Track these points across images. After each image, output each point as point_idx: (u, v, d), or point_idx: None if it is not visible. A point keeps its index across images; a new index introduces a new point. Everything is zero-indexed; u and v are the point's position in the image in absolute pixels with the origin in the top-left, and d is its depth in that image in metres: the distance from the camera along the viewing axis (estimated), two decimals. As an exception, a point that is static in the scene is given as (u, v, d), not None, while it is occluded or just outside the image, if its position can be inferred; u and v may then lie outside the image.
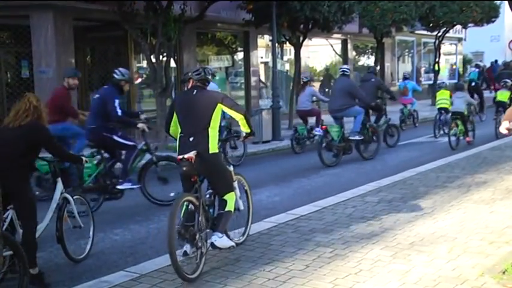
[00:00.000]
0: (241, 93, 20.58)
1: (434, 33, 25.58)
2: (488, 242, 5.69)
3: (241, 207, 6.05)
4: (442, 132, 14.76)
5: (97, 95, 8.50)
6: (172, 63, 15.90)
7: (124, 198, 8.20)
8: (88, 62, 17.51)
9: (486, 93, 22.68)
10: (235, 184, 5.90)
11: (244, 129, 5.72)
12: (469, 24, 25.37)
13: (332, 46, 25.02)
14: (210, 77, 5.74)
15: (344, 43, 25.20)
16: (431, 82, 26.83)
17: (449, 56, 33.35)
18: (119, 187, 8.13)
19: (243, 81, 20.46)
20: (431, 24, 24.44)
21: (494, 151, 11.67)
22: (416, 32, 27.02)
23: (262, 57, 21.71)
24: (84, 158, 6.34)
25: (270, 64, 18.11)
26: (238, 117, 5.54)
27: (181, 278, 4.96)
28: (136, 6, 13.77)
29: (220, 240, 5.36)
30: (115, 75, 8.31)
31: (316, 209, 7.31)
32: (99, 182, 8.09)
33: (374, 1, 20.41)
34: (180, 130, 5.51)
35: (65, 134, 9.13)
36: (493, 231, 6.08)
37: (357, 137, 11.67)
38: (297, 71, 18.52)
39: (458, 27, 27.09)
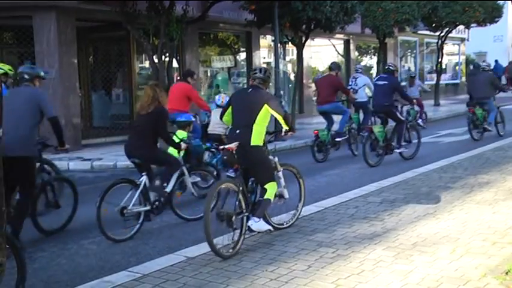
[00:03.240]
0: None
1: (437, 33, 25.54)
2: (491, 243, 5.68)
3: (286, 196, 6.60)
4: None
5: (384, 82, 11.37)
6: (175, 64, 15.92)
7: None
8: (90, 63, 17.55)
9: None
10: (280, 174, 6.51)
11: (284, 126, 6.23)
12: (472, 25, 25.35)
13: (334, 46, 25.01)
14: (267, 78, 6.32)
15: (346, 43, 25.20)
16: (433, 82, 26.79)
17: (452, 56, 33.33)
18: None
19: (245, 81, 20.45)
20: (434, 25, 24.42)
21: (497, 151, 11.66)
22: (419, 32, 27.04)
23: (264, 58, 21.71)
24: (183, 145, 7.42)
25: (273, 64, 18.11)
26: (278, 117, 6.11)
27: (217, 255, 5.53)
28: (138, 6, 13.78)
29: (256, 224, 5.92)
30: (391, 67, 11.74)
31: (319, 209, 7.31)
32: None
33: (376, 1, 20.40)
34: (231, 122, 6.25)
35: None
36: (496, 231, 6.07)
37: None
38: (300, 71, 18.52)
39: (461, 27, 27.05)
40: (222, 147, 6.13)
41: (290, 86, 22.00)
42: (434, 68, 27.43)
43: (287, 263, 5.32)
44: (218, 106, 10.38)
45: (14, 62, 15.40)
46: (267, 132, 6.36)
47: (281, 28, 16.43)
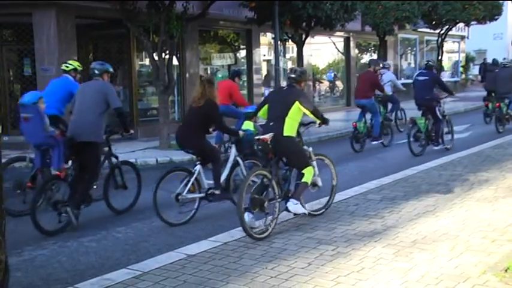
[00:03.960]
0: (244, 91, 20.57)
1: (437, 31, 25.58)
2: (491, 240, 5.69)
3: (320, 184, 7.10)
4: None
5: (426, 77, 12.15)
6: (175, 61, 15.89)
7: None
8: (90, 60, 17.48)
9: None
10: (314, 163, 6.98)
11: (316, 120, 6.88)
12: (472, 22, 25.38)
13: (335, 44, 25.01)
14: (299, 77, 6.87)
15: (347, 41, 25.19)
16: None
17: (452, 54, 33.33)
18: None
19: (245, 79, 20.44)
20: (434, 22, 24.44)
21: (496, 149, 11.66)
22: (419, 29, 27.05)
23: (264, 55, 21.71)
24: (241, 132, 7.85)
25: (273, 62, 18.10)
26: (307, 112, 6.68)
27: (250, 237, 6.01)
28: (138, 4, 13.76)
29: (294, 206, 6.47)
30: (430, 62, 12.93)
31: (319, 207, 7.30)
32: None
33: (377, -1, 20.41)
34: (267, 116, 6.83)
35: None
36: (496, 229, 6.07)
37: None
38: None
39: (461, 25, 27.08)
40: (257, 137, 6.65)
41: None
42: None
43: (287, 260, 5.33)
44: None
45: (13, 60, 15.44)
46: (302, 124, 6.93)
47: (281, 26, 16.43)
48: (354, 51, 25.81)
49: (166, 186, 7.07)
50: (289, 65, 22.59)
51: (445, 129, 12.55)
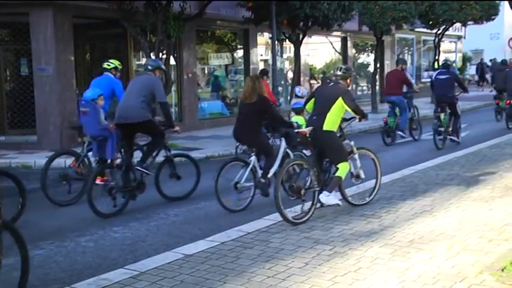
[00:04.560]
0: (241, 90, 20.57)
1: (434, 31, 25.56)
2: (488, 240, 5.70)
3: (362, 176, 7.47)
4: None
5: (447, 75, 12.94)
6: (172, 61, 15.89)
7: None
8: (87, 60, 17.50)
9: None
10: (356, 156, 7.37)
11: (356, 115, 7.21)
12: (469, 22, 25.37)
13: (332, 44, 25.03)
14: (344, 75, 7.20)
15: (344, 41, 25.21)
16: (430, 80, 26.82)
17: (449, 54, 33.37)
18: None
19: (242, 78, 20.44)
20: (431, 22, 24.43)
21: (493, 149, 11.68)
22: (416, 29, 27.05)
23: (262, 55, 21.72)
24: (295, 124, 8.37)
25: (270, 62, 18.10)
26: (349, 109, 6.99)
27: (288, 223, 6.46)
28: (136, 4, 13.76)
29: (326, 198, 6.80)
30: (448, 62, 13.79)
31: (316, 207, 7.30)
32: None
33: (374, -1, 20.42)
34: (311, 113, 7.23)
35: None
36: (492, 228, 6.08)
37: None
38: (297, 68, 18.52)
39: (458, 25, 27.08)
40: (296, 130, 7.32)
41: (287, 83, 21.99)
42: (431, 65, 27.46)
43: (284, 260, 5.33)
44: (297, 96, 11.81)
45: (10, 60, 15.41)
46: (344, 119, 7.24)
47: (278, 25, 16.43)
48: (351, 51, 25.83)
49: (226, 175, 7.65)
50: (287, 65, 22.62)
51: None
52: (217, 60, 20.16)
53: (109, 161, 8.38)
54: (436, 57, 25.91)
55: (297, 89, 12.23)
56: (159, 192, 8.54)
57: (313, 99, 7.28)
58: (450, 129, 13.03)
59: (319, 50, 25.00)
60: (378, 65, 23.86)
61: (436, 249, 5.47)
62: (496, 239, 5.72)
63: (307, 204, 6.78)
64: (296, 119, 9.54)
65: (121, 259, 5.97)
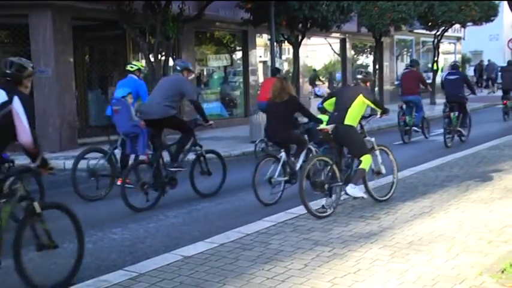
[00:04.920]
0: (240, 92, 20.56)
1: (433, 32, 25.58)
2: (487, 241, 5.69)
3: (383, 171, 7.79)
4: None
5: (456, 76, 13.61)
6: (171, 63, 15.89)
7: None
8: (86, 61, 17.50)
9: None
10: (377, 152, 7.70)
11: (377, 110, 7.61)
12: (468, 23, 25.40)
13: (331, 45, 25.06)
14: (365, 77, 7.65)
15: (343, 42, 25.22)
16: (429, 81, 26.83)
17: (448, 55, 33.38)
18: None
19: (241, 80, 20.45)
20: (430, 23, 24.45)
21: (492, 150, 11.68)
22: (415, 31, 27.06)
23: (261, 56, 21.73)
24: (322, 120, 8.50)
25: (269, 63, 18.10)
26: (369, 103, 7.37)
27: (312, 215, 6.77)
28: (134, 5, 13.77)
29: (352, 190, 7.11)
30: (457, 63, 14.56)
31: (315, 208, 7.29)
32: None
33: (373, 0, 20.41)
34: (333, 108, 7.49)
35: None
36: (492, 230, 6.08)
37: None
38: (296, 70, 18.52)
39: (457, 26, 27.11)
40: (319, 128, 7.56)
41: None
42: (431, 66, 27.47)
43: (283, 261, 5.32)
44: (317, 96, 12.51)
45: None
46: (363, 117, 7.57)
47: (277, 27, 16.43)
48: (350, 53, 25.84)
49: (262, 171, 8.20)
50: (285, 66, 22.62)
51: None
52: (216, 62, 20.15)
53: (140, 157, 8.83)
54: (435, 59, 25.93)
55: (316, 88, 12.74)
56: (193, 188, 8.78)
57: (333, 99, 7.58)
58: (458, 128, 13.56)
59: (318, 52, 25.06)
60: (377, 67, 23.87)
61: (436, 250, 5.47)
62: (495, 240, 5.72)
63: (332, 199, 7.07)
64: (322, 117, 9.77)
65: (120, 260, 5.97)
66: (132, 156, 9.37)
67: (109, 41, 17.55)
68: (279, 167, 8.23)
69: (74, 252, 5.38)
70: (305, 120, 9.08)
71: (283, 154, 8.34)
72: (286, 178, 8.34)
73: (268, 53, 18.65)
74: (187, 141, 8.79)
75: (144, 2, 13.55)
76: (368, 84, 7.77)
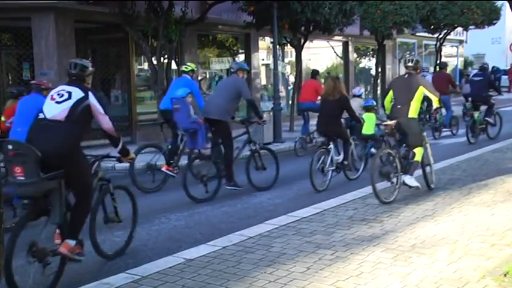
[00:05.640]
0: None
1: (436, 35, 25.58)
2: (490, 245, 5.69)
3: (432, 162, 8.48)
4: None
5: (481, 77, 14.35)
6: (174, 65, 15.91)
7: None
8: (89, 64, 17.49)
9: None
10: (428, 145, 8.36)
11: (436, 104, 8.32)
12: (470, 27, 25.40)
13: (333, 48, 25.02)
14: (416, 66, 8.17)
15: (345, 45, 25.21)
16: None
17: (451, 58, 33.37)
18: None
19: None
20: (432, 27, 24.46)
21: (495, 153, 11.67)
22: (418, 34, 27.06)
23: (263, 59, 21.72)
24: (362, 120, 10.21)
25: (271, 66, 18.10)
26: (432, 97, 8.06)
27: (379, 201, 7.47)
28: (137, 8, 13.80)
29: (410, 180, 7.87)
30: (485, 65, 14.94)
31: (317, 211, 7.30)
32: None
33: (375, 3, 20.41)
34: (393, 102, 8.09)
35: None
36: (495, 233, 6.07)
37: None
38: (298, 73, 18.52)
39: (459, 29, 27.11)
40: (384, 123, 8.26)
41: (289, 88, 22.00)
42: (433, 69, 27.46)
43: (286, 265, 5.32)
44: (355, 96, 13.10)
45: (12, 64, 15.43)
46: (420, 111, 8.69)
47: (280, 30, 16.44)
48: (353, 56, 25.83)
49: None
50: (288, 69, 22.62)
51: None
52: (219, 65, 20.15)
53: (200, 151, 9.50)
54: (438, 62, 25.91)
55: (356, 89, 13.97)
56: (249, 182, 9.35)
57: (390, 92, 8.18)
58: (483, 126, 14.41)
59: (321, 55, 25.00)
60: (380, 70, 23.85)
61: (438, 253, 5.46)
62: (498, 243, 5.71)
63: (394, 187, 7.77)
64: (366, 115, 10.89)
65: (122, 263, 5.97)
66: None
67: (111, 43, 17.57)
68: (330, 158, 9.33)
69: (129, 228, 6.48)
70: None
71: (332, 146, 9.41)
72: (332, 168, 9.46)
73: (271, 56, 18.65)
74: (231, 151, 9.14)
75: (146, 4, 13.57)
76: (418, 71, 8.43)
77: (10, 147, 5.07)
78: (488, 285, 4.63)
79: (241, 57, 20.76)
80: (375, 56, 24.88)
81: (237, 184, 9.12)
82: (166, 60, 14.09)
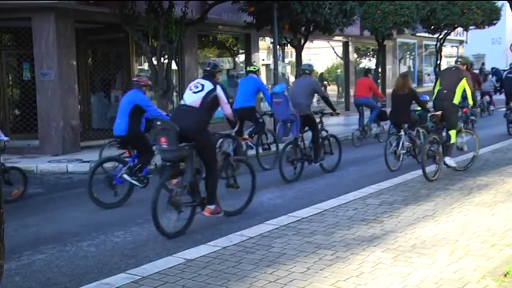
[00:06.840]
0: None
1: (436, 35, 25.58)
2: (490, 245, 5.68)
3: (465, 149, 10.01)
4: None
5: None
6: (174, 66, 15.91)
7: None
8: (89, 64, 17.53)
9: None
10: (464, 134, 9.98)
11: (470, 102, 9.68)
12: (471, 27, 25.40)
13: (333, 48, 25.03)
14: (464, 62, 9.91)
15: (345, 45, 25.22)
16: (432, 84, 26.82)
17: (451, 59, 33.36)
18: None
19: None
20: (432, 27, 24.46)
21: (495, 153, 11.67)
22: (418, 34, 27.07)
23: (263, 60, 21.72)
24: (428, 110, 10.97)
25: (272, 66, 18.10)
26: (468, 91, 9.46)
27: (425, 178, 8.91)
28: (137, 8, 13.79)
29: (449, 160, 9.49)
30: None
31: (318, 212, 7.30)
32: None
33: (375, 3, 20.42)
34: (439, 88, 9.53)
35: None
36: (495, 233, 6.07)
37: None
38: (299, 73, 18.50)
39: (460, 29, 27.11)
40: (431, 114, 9.76)
41: (289, 88, 21.97)
42: (433, 69, 27.49)
43: (286, 265, 5.32)
44: None
45: (12, 64, 15.44)
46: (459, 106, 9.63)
47: (280, 30, 16.44)
48: (353, 56, 25.83)
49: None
50: (288, 69, 22.62)
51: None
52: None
53: (294, 138, 10.63)
54: (438, 62, 25.92)
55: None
56: (320, 165, 10.92)
57: (438, 80, 9.68)
58: None
59: (321, 55, 25.02)
60: (380, 70, 23.85)
61: (439, 254, 5.46)
62: (498, 244, 5.71)
63: (437, 166, 9.26)
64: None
65: (122, 264, 5.97)
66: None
67: (112, 44, 17.57)
68: (401, 143, 10.73)
69: (248, 192, 7.94)
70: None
71: (403, 133, 10.77)
72: (404, 151, 10.77)
73: (271, 56, 18.65)
74: (318, 134, 10.76)
75: (146, 4, 13.57)
76: (465, 67, 9.63)
77: (158, 123, 6.87)
78: (488, 285, 4.62)
79: (241, 58, 20.77)
80: (375, 56, 24.89)
81: (324, 158, 10.85)
82: (166, 61, 14.08)
